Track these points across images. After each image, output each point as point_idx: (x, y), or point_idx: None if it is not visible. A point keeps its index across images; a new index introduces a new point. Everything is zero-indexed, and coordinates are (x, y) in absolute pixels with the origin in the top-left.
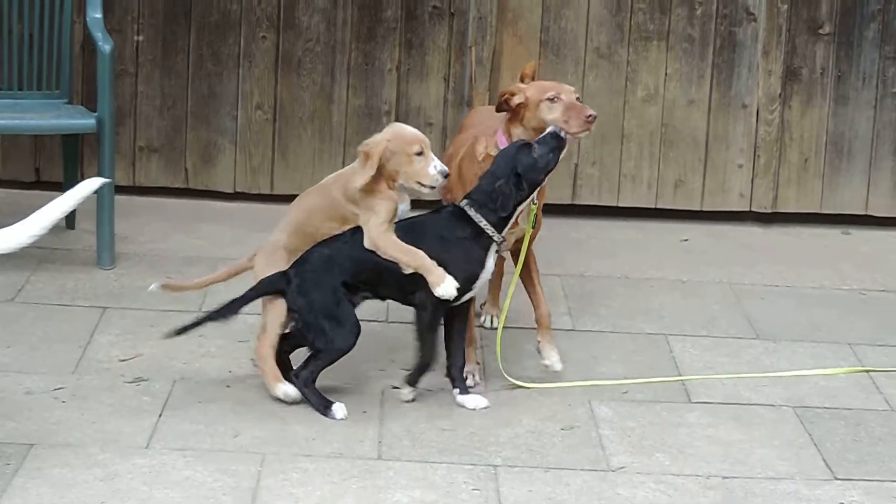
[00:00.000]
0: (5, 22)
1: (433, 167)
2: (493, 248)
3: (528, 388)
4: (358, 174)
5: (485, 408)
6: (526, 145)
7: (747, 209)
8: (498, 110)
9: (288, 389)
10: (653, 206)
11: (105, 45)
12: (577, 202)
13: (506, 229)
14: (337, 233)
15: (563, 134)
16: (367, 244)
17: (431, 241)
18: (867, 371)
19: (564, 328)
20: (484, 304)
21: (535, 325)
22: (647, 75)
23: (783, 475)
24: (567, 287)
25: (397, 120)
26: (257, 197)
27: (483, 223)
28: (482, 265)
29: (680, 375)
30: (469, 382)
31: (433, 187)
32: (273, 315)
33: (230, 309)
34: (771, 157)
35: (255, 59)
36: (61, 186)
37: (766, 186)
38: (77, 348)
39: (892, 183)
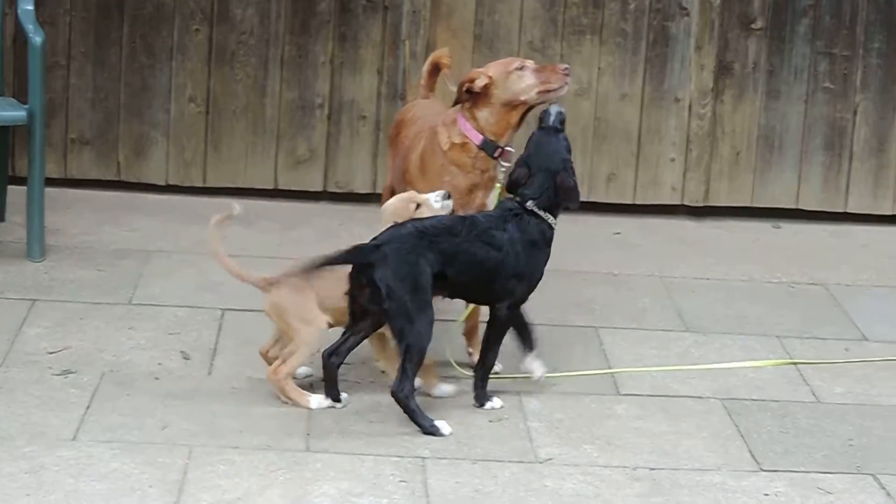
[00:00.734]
0: None
1: (434, 202)
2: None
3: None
4: None
5: (500, 407)
6: (553, 129)
7: (679, 203)
8: (458, 101)
9: (320, 399)
10: (585, 200)
11: (36, 38)
12: None
13: None
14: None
15: (562, 109)
16: None
17: (523, 247)
18: (795, 363)
19: None
20: None
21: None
22: (581, 69)
23: (710, 466)
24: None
25: (330, 114)
26: (190, 190)
27: (552, 221)
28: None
29: (609, 368)
30: None
31: None
32: (308, 341)
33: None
34: (703, 151)
35: (189, 52)
36: None
37: (697, 180)
38: (5, 341)
39: (823, 177)
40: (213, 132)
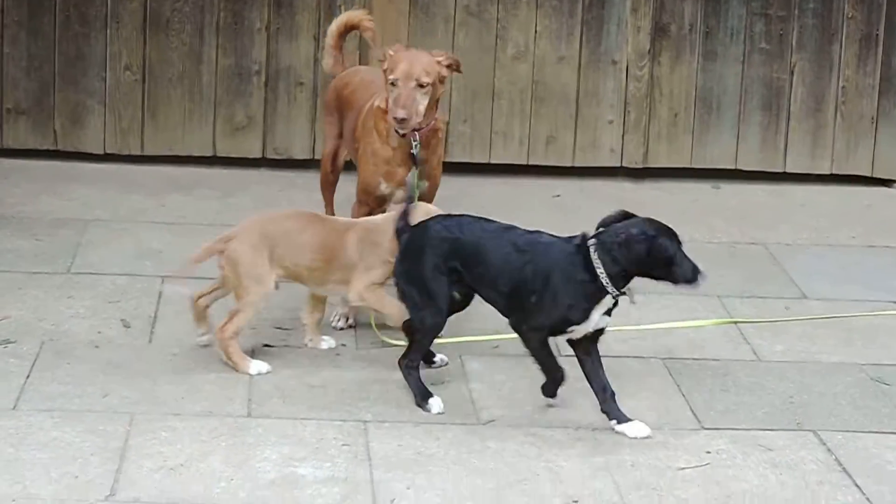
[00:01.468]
0: None
1: None
2: (606, 301)
3: (398, 345)
4: None
5: (646, 437)
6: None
7: (618, 165)
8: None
9: (260, 365)
10: (525, 163)
11: None
12: (449, 160)
13: (626, 286)
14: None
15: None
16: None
17: (543, 269)
18: (735, 322)
19: None
20: None
21: None
22: (517, 32)
23: (651, 425)
24: None
25: (267, 80)
26: (128, 158)
27: (600, 270)
28: (585, 316)
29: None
30: (340, 324)
31: None
32: (254, 301)
33: None
34: (641, 113)
35: (123, 20)
36: None
37: (636, 142)
38: None
39: (761, 137)
40: (149, 100)
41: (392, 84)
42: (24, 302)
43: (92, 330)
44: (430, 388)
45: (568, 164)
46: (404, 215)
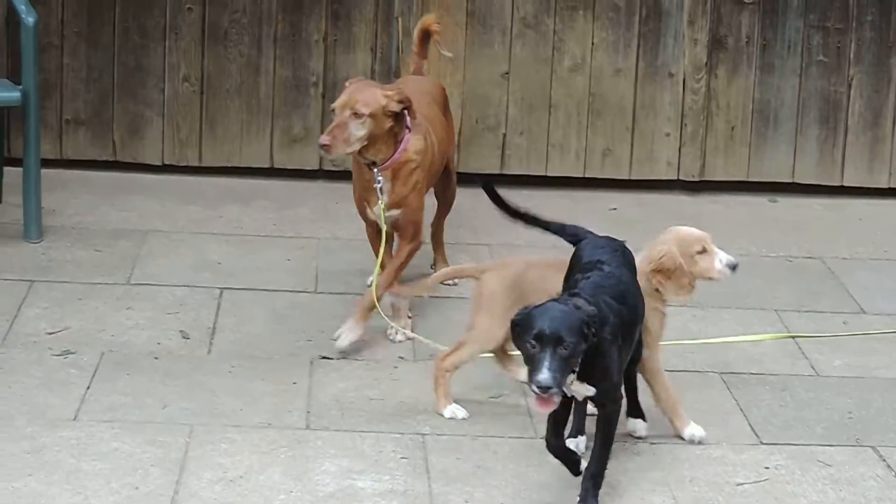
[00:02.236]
0: None
1: (719, 261)
2: None
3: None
4: (668, 289)
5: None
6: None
7: (675, 178)
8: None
9: (455, 410)
10: (581, 176)
11: (28, 18)
12: (505, 172)
13: None
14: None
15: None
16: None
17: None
18: (793, 337)
19: None
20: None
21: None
22: (574, 45)
23: (710, 440)
24: (495, 256)
25: (325, 92)
26: (185, 169)
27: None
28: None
29: None
30: (399, 337)
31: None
32: (480, 338)
33: (540, 223)
34: (698, 126)
35: (182, 32)
36: None
37: (693, 155)
38: (4, 322)
39: (818, 150)
40: (207, 111)
41: (332, 112)
42: (85, 313)
43: (151, 341)
44: (490, 402)
45: (624, 176)
46: None
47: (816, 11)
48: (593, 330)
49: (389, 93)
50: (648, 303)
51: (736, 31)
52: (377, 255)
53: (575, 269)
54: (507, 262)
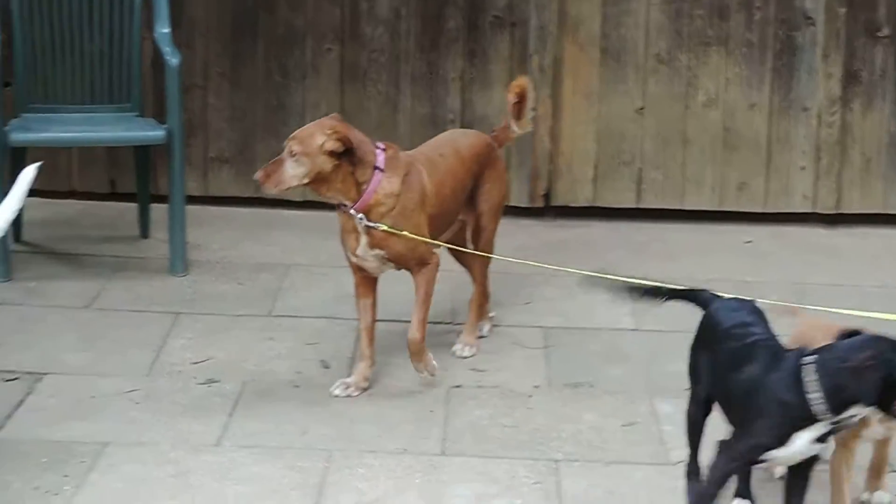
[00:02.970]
0: (78, 39)
1: None
2: (817, 429)
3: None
4: None
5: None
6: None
7: (811, 210)
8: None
9: None
10: (716, 209)
11: (173, 59)
12: (641, 205)
13: (847, 417)
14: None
15: None
16: None
17: (744, 377)
18: None
19: (627, 328)
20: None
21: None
22: (708, 80)
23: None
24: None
25: (462, 127)
26: (326, 206)
27: (814, 394)
28: (780, 442)
29: None
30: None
31: None
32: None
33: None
34: (833, 159)
35: (322, 71)
36: (135, 197)
37: (828, 188)
38: (151, 352)
39: None
40: None
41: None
42: (228, 343)
43: (292, 370)
44: (622, 429)
45: (760, 209)
46: None
47: None
48: None
49: (328, 131)
50: None
51: (869, 65)
52: (359, 315)
53: (713, 334)
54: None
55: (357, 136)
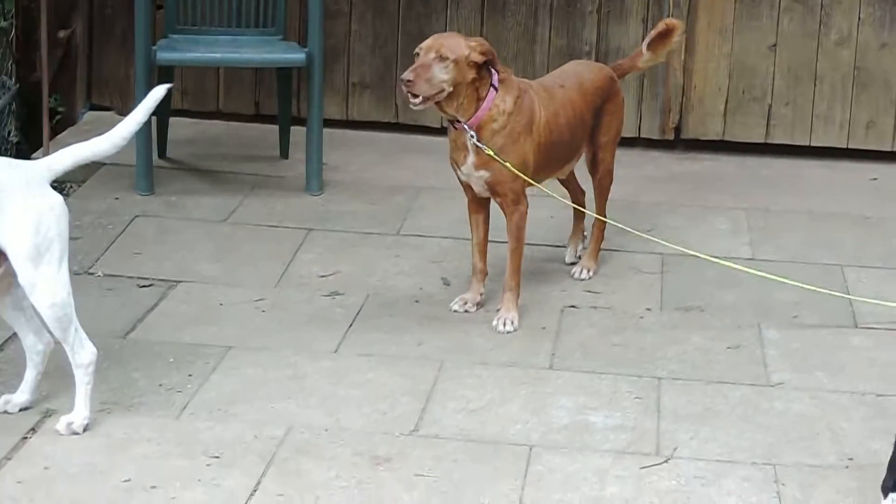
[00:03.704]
0: None
1: None
2: None
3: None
4: None
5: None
6: None
7: None
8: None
9: None
10: (844, 147)
11: None
12: (770, 141)
13: None
14: None
15: None
16: None
17: None
18: None
19: (743, 257)
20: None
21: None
22: (841, 19)
23: None
24: (751, 220)
25: (598, 60)
26: None
27: None
28: None
29: (850, 303)
30: (502, 327)
31: None
32: None
33: None
34: None
35: (463, 2)
36: (277, 119)
37: None
38: (281, 265)
39: None
40: None
41: (416, 55)
42: (355, 259)
43: (414, 286)
44: (727, 351)
45: (887, 148)
46: None
47: None
48: None
49: (473, 43)
50: None
51: None
52: (471, 231)
53: None
54: None
55: None
